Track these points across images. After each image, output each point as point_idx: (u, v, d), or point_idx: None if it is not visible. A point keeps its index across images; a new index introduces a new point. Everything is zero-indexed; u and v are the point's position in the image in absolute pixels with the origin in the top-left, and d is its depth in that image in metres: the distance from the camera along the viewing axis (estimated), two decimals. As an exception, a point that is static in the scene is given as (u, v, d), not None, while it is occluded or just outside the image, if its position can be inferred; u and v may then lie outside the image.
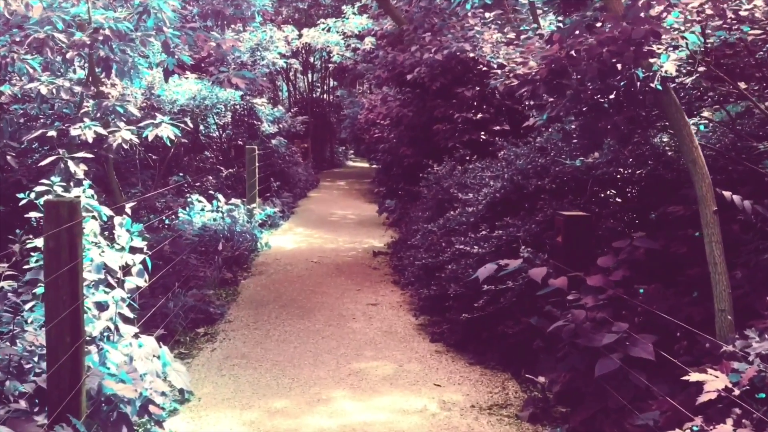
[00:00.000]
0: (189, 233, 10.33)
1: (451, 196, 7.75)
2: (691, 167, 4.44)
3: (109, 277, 5.47)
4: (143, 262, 5.76)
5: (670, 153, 6.40)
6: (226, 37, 8.86)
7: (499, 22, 11.18)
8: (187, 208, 11.28)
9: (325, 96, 32.52)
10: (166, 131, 6.95)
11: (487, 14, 10.43)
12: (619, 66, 4.23)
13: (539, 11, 12.75)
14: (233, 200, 12.22)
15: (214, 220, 11.32)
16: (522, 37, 10.85)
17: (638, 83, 4.37)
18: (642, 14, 4.02)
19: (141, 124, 7.14)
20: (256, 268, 10.39)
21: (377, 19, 17.51)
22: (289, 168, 18.67)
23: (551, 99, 5.32)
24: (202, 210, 11.48)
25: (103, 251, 5.41)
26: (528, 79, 4.80)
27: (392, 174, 10.93)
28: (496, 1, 11.82)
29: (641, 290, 5.13)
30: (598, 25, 4.59)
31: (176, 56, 7.65)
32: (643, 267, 5.40)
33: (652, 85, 4.27)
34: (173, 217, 10.83)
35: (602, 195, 6.52)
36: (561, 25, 12.90)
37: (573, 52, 4.33)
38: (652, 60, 4.24)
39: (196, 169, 15.42)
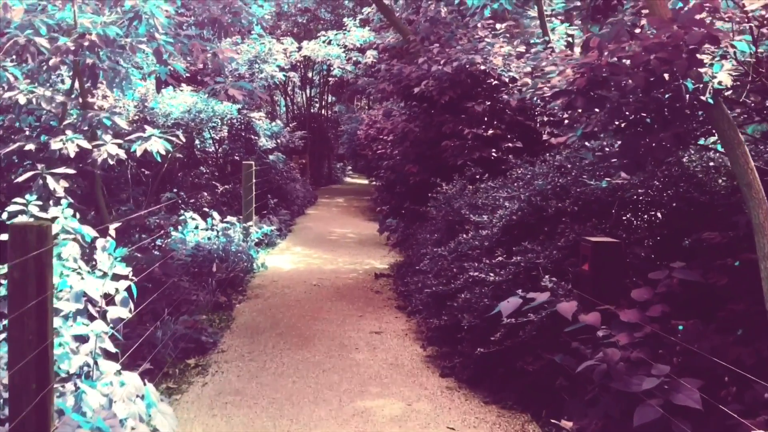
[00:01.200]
0: (182, 253, 9.82)
1: (463, 218, 7.23)
2: (746, 191, 3.92)
3: (90, 307, 4.95)
4: (128, 290, 5.23)
5: (700, 175, 5.91)
6: (224, 47, 8.35)
7: (508, 35, 10.73)
8: (180, 227, 10.77)
9: (323, 111, 32.14)
10: (156, 145, 6.43)
11: (498, 25, 9.98)
12: (666, 76, 3.72)
13: (553, 20, 12.35)
14: (229, 218, 11.70)
15: (209, 239, 10.81)
16: (533, 50, 10.43)
17: (687, 96, 3.86)
18: (696, 17, 3.52)
19: (129, 138, 6.62)
20: (252, 290, 9.84)
21: (379, 32, 17.11)
22: (286, 184, 18.17)
23: (573, 112, 4.81)
24: (196, 228, 10.97)
25: (83, 278, 4.89)
26: (562, 89, 4.27)
27: (396, 192, 10.41)
28: (506, 13, 11.39)
29: (680, 327, 4.61)
30: (637, 31, 4.08)
31: (169, 66, 7.13)
32: (677, 299, 4.89)
33: (702, 98, 3.76)
34: (165, 236, 10.30)
35: (629, 219, 6.00)
36: (570, 38, 12.50)
37: (614, 60, 3.82)
38: (702, 70, 3.73)
39: (190, 185, 14.93)
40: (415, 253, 8.51)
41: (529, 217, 6.33)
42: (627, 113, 4.16)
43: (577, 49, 11.34)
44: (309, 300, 9.27)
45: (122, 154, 6.25)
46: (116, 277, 5.02)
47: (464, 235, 6.80)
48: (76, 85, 7.45)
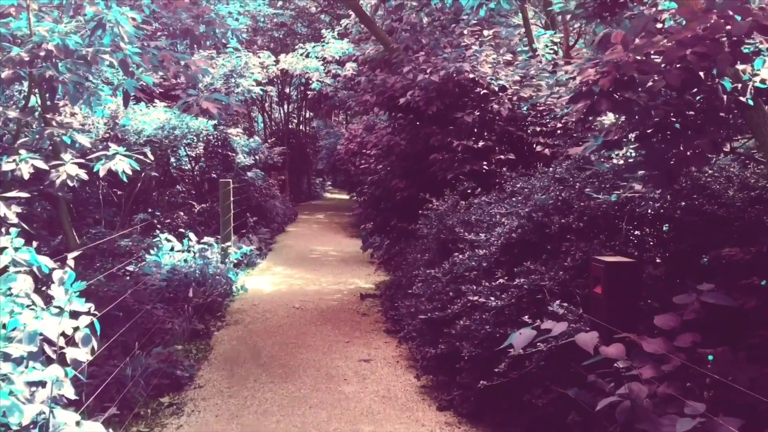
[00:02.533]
0: (156, 278, 9.26)
1: (456, 236, 6.73)
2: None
3: (47, 347, 4.40)
4: (91, 326, 4.68)
5: (714, 186, 5.45)
6: (197, 58, 7.81)
7: (493, 43, 10.30)
8: (155, 249, 10.21)
9: (301, 127, 31.72)
10: (122, 164, 5.87)
11: (485, 32, 9.53)
12: (701, 74, 3.24)
13: (538, 28, 11.95)
14: (206, 239, 11.15)
15: (185, 261, 10.26)
16: (520, 58, 9.99)
17: (725, 97, 3.38)
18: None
19: (91, 157, 6.06)
20: (232, 316, 9.28)
21: (359, 44, 16.62)
22: (266, 201, 17.63)
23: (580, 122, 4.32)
24: (172, 250, 10.42)
25: (38, 316, 4.34)
26: (582, 92, 3.76)
27: (381, 209, 9.89)
28: (489, 19, 10.96)
29: (710, 357, 4.13)
30: (659, 25, 3.60)
31: (138, 78, 6.59)
32: (702, 325, 4.41)
33: (742, 99, 3.29)
34: (138, 260, 9.73)
35: (640, 235, 5.52)
36: (555, 45, 12.07)
37: (641, 57, 3.33)
38: (741, 67, 3.26)
39: (167, 204, 14.36)
40: (405, 273, 7.96)
41: (531, 235, 5.84)
42: (655, 118, 3.66)
43: (581, 53, 10.93)
44: (292, 325, 8.72)
45: (83, 175, 5.69)
46: (75, 314, 4.47)
47: (460, 256, 6.29)
48: (40, 101, 6.92)
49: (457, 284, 6.13)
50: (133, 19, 6.54)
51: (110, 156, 5.97)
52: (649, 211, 5.36)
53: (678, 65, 3.13)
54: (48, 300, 4.54)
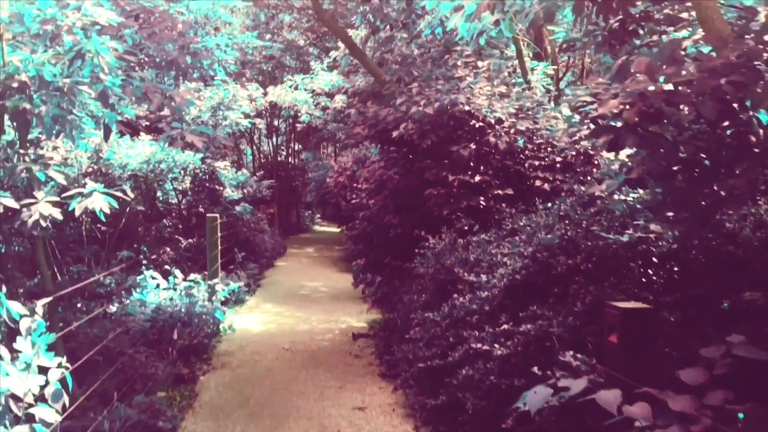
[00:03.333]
0: (140, 318, 8.87)
1: (456, 277, 6.37)
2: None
3: (13, 404, 4.02)
4: (63, 380, 4.30)
5: (729, 225, 5.13)
6: (183, 89, 7.49)
7: (487, 74, 10.05)
8: (139, 288, 9.84)
9: (290, 159, 31.48)
10: (99, 203, 5.51)
11: (480, 63, 9.27)
12: (735, 105, 2.94)
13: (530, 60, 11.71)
14: (193, 275, 10.75)
15: (171, 299, 9.86)
16: (515, 90, 9.73)
17: (761, 131, 3.07)
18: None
19: (66, 195, 5.69)
20: (219, 359, 8.87)
21: (348, 76, 16.40)
22: (254, 236, 17.26)
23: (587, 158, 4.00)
24: (157, 288, 10.03)
25: (5, 372, 3.96)
26: (605, 126, 3.43)
27: (374, 245, 9.52)
28: (482, 50, 10.73)
29: (740, 415, 3.78)
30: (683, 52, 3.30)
31: (118, 111, 6.26)
32: (727, 376, 4.07)
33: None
34: (119, 302, 9.34)
35: (652, 277, 5.18)
36: (548, 78, 11.85)
37: (669, 87, 3.02)
38: (778, 98, 2.95)
39: (153, 239, 13.98)
40: (401, 315, 7.57)
41: (536, 277, 5.50)
42: (682, 154, 3.34)
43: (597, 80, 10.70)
44: (282, 369, 8.32)
45: (57, 215, 5.32)
46: (43, 370, 4.09)
47: (460, 298, 5.93)
48: (18, 134, 6.57)
49: (458, 329, 5.77)
50: (115, 49, 6.22)
51: (87, 194, 5.60)
52: (662, 251, 5.04)
53: (711, 96, 2.82)
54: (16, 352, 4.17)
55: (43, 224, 5.14)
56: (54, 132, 6.34)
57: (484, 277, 5.85)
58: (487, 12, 5.44)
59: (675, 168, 3.50)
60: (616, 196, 4.88)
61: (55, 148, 10.27)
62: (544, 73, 11.39)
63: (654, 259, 5.17)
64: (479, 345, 5.21)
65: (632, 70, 3.32)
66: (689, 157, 3.31)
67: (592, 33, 4.54)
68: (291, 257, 20.78)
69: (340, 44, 15.49)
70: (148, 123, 12.77)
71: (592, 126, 3.51)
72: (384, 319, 9.99)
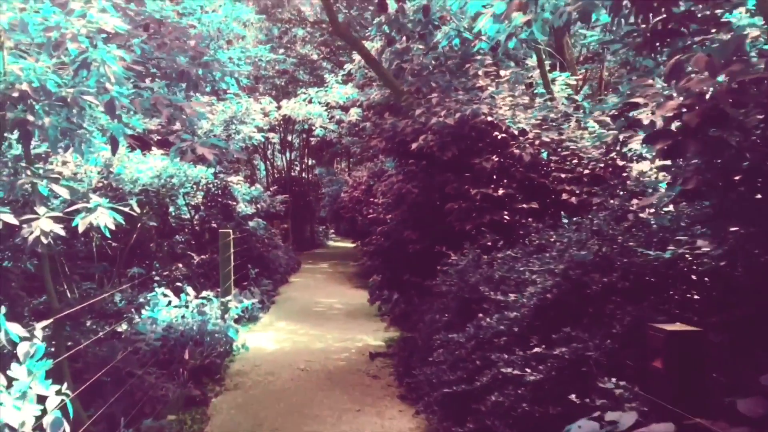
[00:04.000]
0: (150, 337, 8.59)
1: (481, 296, 6.03)
2: None
3: (10, 437, 3.71)
4: (64, 409, 3.99)
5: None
6: (194, 100, 7.22)
7: (507, 84, 9.74)
8: (150, 305, 9.57)
9: (304, 174, 31.29)
10: (104, 218, 5.21)
11: (502, 72, 8.96)
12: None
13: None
14: (205, 293, 10.45)
15: (183, 317, 9.56)
16: (538, 100, 9.41)
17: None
18: None
19: (70, 209, 5.39)
20: (231, 379, 8.55)
21: (363, 89, 16.13)
22: (268, 252, 16.96)
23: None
24: (169, 305, 9.75)
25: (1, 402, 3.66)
26: (661, 130, 3.10)
27: (392, 261, 9.19)
28: (497, 63, 10.44)
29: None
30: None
31: (125, 123, 5.99)
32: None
33: None
34: (128, 321, 9.06)
35: (695, 297, 4.83)
36: (569, 88, 11.53)
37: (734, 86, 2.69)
38: None
39: (165, 255, 13.73)
40: (422, 335, 7.21)
41: (568, 296, 5.16)
42: (746, 162, 3.01)
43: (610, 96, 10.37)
44: (297, 390, 7.99)
45: (59, 230, 5.02)
46: (41, 399, 3.79)
47: (488, 319, 5.58)
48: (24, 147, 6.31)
49: (485, 352, 5.42)
50: (122, 58, 5.95)
51: (91, 209, 5.31)
52: (706, 268, 4.69)
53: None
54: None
55: (44, 241, 4.85)
56: (62, 146, 6.09)
57: (512, 296, 5.51)
58: (517, 13, 5.14)
59: (737, 178, 3.16)
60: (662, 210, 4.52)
61: (64, 162, 10.06)
62: (566, 84, 11.07)
63: (696, 277, 4.83)
64: (509, 369, 4.87)
65: (689, 68, 2.99)
66: (752, 164, 2.97)
67: (631, 34, 4.23)
68: (305, 273, 20.48)
69: (355, 56, 15.26)
70: (159, 137, 12.51)
71: (638, 132, 3.18)
72: (402, 337, 9.66)
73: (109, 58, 5.62)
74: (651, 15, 3.95)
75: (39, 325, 4.00)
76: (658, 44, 4.02)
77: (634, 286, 4.95)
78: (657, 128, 3.10)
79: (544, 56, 11.34)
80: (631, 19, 4.34)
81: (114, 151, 6.14)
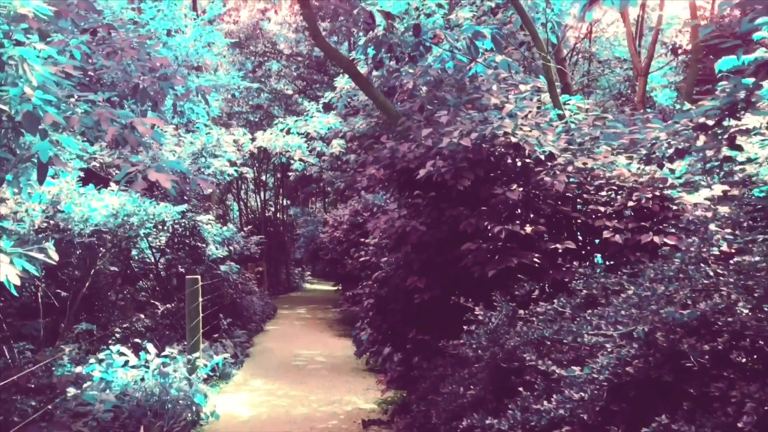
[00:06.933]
0: (99, 408, 7.13)
1: (523, 365, 4.59)
2: None
3: None
4: None
5: None
6: (149, 116, 5.79)
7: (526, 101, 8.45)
8: (102, 365, 8.15)
9: (278, 215, 29.94)
10: (6, 269, 3.71)
11: (522, 86, 7.64)
12: None
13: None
14: (169, 349, 8.96)
15: (142, 379, 8.07)
16: (557, 123, 8.12)
17: None
18: None
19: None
20: (197, 461, 7.01)
21: (346, 119, 14.80)
22: (241, 298, 15.45)
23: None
24: (125, 365, 8.28)
25: None
26: None
27: (390, 314, 7.73)
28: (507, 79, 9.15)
29: None
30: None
31: (54, 141, 4.55)
32: None
33: None
34: (78, 382, 7.57)
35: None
36: (583, 112, 10.27)
37: None
38: None
39: (127, 305, 12.22)
40: (440, 415, 5.63)
41: (657, 370, 3.74)
42: None
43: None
44: (278, 476, 6.48)
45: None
46: None
47: (545, 402, 4.11)
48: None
49: (541, 446, 3.97)
50: (53, 60, 4.54)
51: (-9, 258, 3.82)
52: None
53: None
54: None
55: None
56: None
57: (576, 370, 4.07)
58: None
59: None
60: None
61: (2, 199, 8.63)
62: (577, 108, 9.83)
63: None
64: (585, 478, 3.43)
65: None
66: None
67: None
68: (282, 319, 18.95)
69: (337, 84, 13.95)
70: (117, 169, 11.07)
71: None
72: (402, 401, 8.17)
73: (32, 58, 4.19)
74: None
75: None
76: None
77: (750, 357, 3.57)
78: None
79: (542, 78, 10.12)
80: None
81: (41, 179, 4.69)
